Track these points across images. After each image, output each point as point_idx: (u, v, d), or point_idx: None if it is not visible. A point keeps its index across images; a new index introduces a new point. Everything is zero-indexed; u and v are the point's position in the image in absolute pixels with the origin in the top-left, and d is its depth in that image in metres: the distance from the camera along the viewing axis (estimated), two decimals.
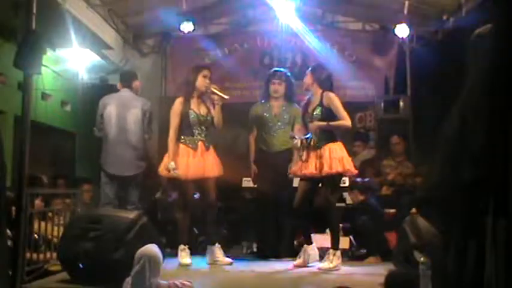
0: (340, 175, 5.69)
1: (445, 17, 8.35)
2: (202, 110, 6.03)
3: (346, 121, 5.59)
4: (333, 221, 5.74)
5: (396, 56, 9.05)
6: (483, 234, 1.89)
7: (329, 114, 5.62)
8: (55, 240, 5.53)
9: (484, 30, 2.18)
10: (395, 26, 8.20)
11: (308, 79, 5.84)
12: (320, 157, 5.58)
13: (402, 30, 8.18)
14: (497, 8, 1.93)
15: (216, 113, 6.02)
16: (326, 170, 5.51)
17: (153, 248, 4.14)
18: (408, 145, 7.83)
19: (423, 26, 8.71)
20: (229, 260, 5.89)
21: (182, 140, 5.96)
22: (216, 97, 5.96)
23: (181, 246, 5.93)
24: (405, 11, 8.05)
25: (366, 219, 6.43)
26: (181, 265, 5.74)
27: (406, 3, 8.02)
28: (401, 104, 8.50)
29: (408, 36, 8.41)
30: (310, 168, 5.60)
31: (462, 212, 2.02)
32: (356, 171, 5.85)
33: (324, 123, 5.57)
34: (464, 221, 2.03)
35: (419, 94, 8.64)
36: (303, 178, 5.74)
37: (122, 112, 6.56)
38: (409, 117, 8.47)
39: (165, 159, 5.97)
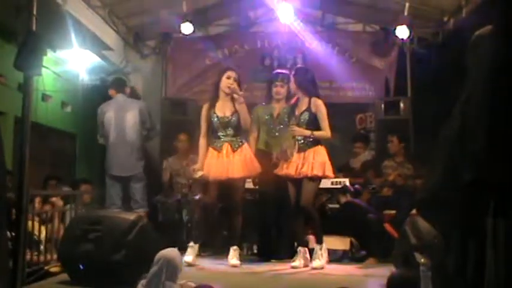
0: (319, 178, 5.87)
1: (445, 19, 8.36)
2: (227, 112, 6.04)
3: (327, 133, 5.85)
4: (314, 219, 5.93)
5: (397, 57, 9.03)
6: (483, 235, 1.89)
7: (314, 120, 5.85)
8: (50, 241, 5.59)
9: (484, 32, 2.18)
10: (395, 28, 8.19)
11: (292, 85, 6.06)
12: (304, 159, 5.78)
13: (403, 32, 8.17)
14: (498, 9, 1.93)
15: (241, 113, 6.01)
16: (307, 171, 5.73)
17: (172, 252, 4.17)
18: (408, 146, 7.83)
19: (424, 27, 8.71)
20: (234, 262, 5.91)
21: (211, 143, 6.05)
22: (237, 97, 5.97)
23: (191, 243, 5.98)
24: (406, 13, 8.05)
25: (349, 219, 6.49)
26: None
27: (407, 4, 8.02)
28: (401, 105, 8.50)
29: (409, 37, 8.40)
30: (291, 168, 5.81)
31: (462, 213, 2.02)
32: (333, 176, 6.08)
33: (309, 131, 5.80)
34: (465, 222, 2.03)
35: (419, 95, 8.63)
36: (288, 179, 5.91)
37: (120, 115, 6.93)
38: (410, 118, 8.46)
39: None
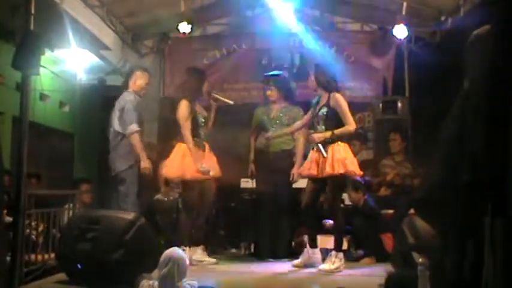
0: (342, 176, 5.66)
1: (443, 18, 8.35)
2: (204, 113, 6.25)
3: (350, 126, 5.63)
4: (337, 222, 5.80)
5: (394, 56, 9.03)
6: (481, 235, 1.89)
7: (335, 114, 5.68)
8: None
9: (482, 31, 2.18)
10: (393, 27, 8.19)
11: (311, 83, 5.93)
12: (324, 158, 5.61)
13: (400, 31, 8.17)
14: (496, 9, 1.93)
15: (212, 117, 6.28)
16: (328, 171, 5.53)
17: (180, 252, 4.18)
18: (406, 146, 7.83)
19: (421, 26, 8.71)
20: (213, 260, 5.98)
21: (194, 142, 6.08)
22: (213, 102, 6.14)
23: (182, 248, 5.98)
24: (403, 12, 8.05)
25: (365, 220, 6.43)
26: None
27: (405, 4, 8.02)
28: (399, 104, 8.50)
29: (406, 37, 8.40)
30: (313, 169, 5.65)
31: (460, 213, 2.02)
32: (361, 172, 5.80)
33: (329, 133, 5.59)
34: (463, 222, 2.03)
35: (417, 95, 8.64)
36: (309, 179, 5.80)
37: (113, 112, 6.27)
38: (407, 118, 8.47)
39: (172, 159, 6.09)
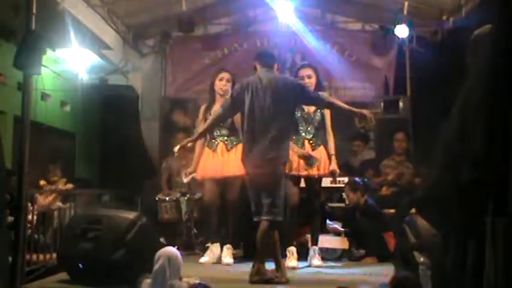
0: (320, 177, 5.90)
1: (444, 18, 8.35)
2: None
3: (332, 134, 5.92)
4: (317, 220, 6.00)
5: (396, 56, 9.03)
6: (482, 235, 1.89)
7: (323, 120, 5.88)
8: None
9: (483, 31, 2.18)
10: (395, 26, 8.19)
11: (313, 80, 5.88)
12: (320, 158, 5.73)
13: (402, 31, 8.17)
14: (497, 8, 1.93)
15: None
16: (325, 171, 5.77)
17: (172, 249, 4.23)
18: (408, 145, 7.83)
19: (423, 26, 8.70)
20: (228, 261, 5.97)
21: (207, 143, 6.10)
22: None
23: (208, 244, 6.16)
24: (405, 11, 8.05)
25: (367, 220, 6.43)
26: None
27: (406, 3, 8.02)
28: (401, 104, 8.51)
29: (408, 36, 8.40)
30: (313, 167, 5.70)
31: (461, 213, 2.02)
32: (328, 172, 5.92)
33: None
34: (464, 221, 2.03)
35: (418, 94, 8.63)
36: (302, 177, 5.86)
37: None
38: (409, 117, 8.47)
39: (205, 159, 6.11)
